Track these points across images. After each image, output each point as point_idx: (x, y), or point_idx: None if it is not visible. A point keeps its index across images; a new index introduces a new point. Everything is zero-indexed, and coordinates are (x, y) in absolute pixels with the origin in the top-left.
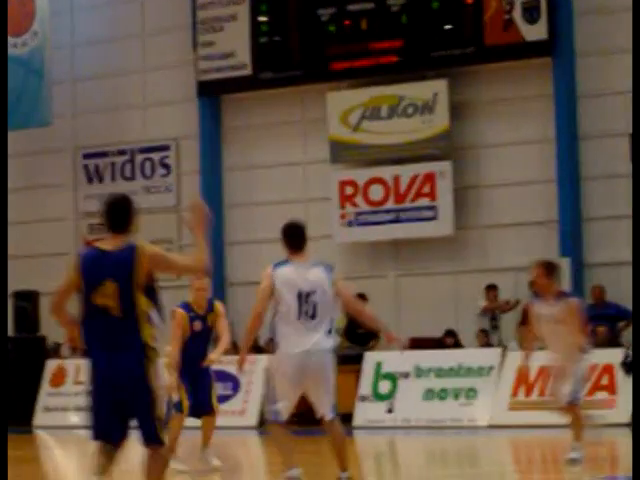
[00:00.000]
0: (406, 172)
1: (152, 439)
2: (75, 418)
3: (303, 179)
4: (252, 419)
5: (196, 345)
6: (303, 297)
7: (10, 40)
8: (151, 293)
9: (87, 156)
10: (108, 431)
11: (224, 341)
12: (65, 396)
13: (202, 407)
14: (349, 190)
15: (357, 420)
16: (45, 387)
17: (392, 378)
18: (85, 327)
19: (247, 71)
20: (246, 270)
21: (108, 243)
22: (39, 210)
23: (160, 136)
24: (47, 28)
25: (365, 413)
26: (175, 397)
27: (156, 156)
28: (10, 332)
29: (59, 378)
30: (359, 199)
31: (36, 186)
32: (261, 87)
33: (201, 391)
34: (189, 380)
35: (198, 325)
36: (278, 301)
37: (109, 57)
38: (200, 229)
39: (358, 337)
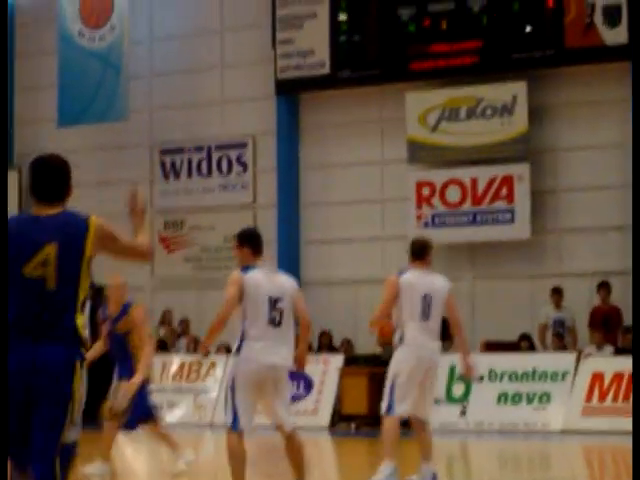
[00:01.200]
0: (484, 174)
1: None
2: None
3: (380, 179)
4: (324, 419)
5: (111, 348)
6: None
7: (88, 34)
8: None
9: (164, 152)
10: (16, 449)
11: (144, 358)
12: None
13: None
14: (426, 191)
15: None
16: None
17: (466, 381)
18: (9, 310)
19: (325, 70)
20: (321, 269)
21: (41, 212)
22: (115, 205)
23: (237, 133)
24: (125, 23)
25: (438, 416)
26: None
27: (233, 153)
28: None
29: None
30: (436, 200)
31: (113, 181)
32: (339, 86)
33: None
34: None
35: (107, 326)
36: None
37: (187, 53)
38: (139, 214)
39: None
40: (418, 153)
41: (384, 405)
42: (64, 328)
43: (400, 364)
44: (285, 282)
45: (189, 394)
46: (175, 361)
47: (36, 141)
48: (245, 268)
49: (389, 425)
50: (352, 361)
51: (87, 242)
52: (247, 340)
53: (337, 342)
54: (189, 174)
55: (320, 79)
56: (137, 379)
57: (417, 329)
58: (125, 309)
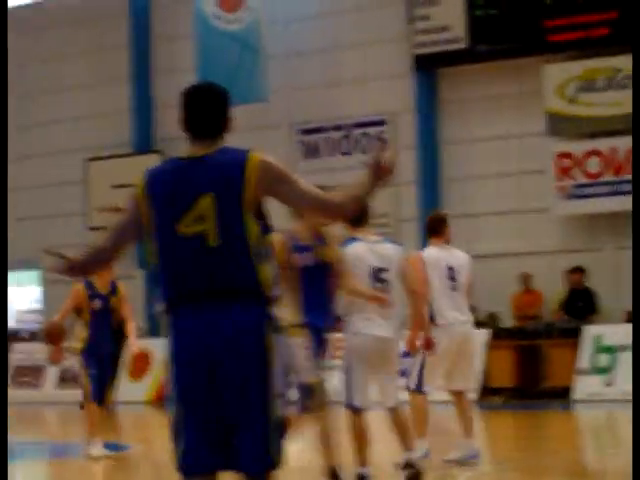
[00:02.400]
0: (623, 144)
1: (260, 462)
2: None
3: (519, 152)
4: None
5: (97, 326)
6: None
7: (225, 16)
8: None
9: (304, 132)
10: (196, 454)
11: (131, 327)
12: None
13: (99, 395)
14: (566, 163)
15: (576, 394)
16: None
17: (611, 351)
18: (162, 278)
19: (463, 44)
20: (464, 244)
21: (194, 151)
22: None
23: (376, 111)
24: (262, 3)
25: (584, 387)
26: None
27: (373, 131)
28: None
29: None
30: (576, 171)
31: None
32: (477, 60)
33: (101, 378)
34: (95, 363)
35: (97, 304)
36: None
37: (324, 32)
38: (377, 173)
39: (576, 310)
40: (557, 125)
41: (412, 383)
42: (237, 287)
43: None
44: (391, 252)
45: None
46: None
47: (176, 124)
48: (346, 241)
49: (418, 403)
50: (497, 335)
51: (245, 188)
52: (354, 314)
53: (482, 316)
54: (330, 153)
55: (457, 54)
56: (136, 347)
57: (446, 305)
58: (114, 286)
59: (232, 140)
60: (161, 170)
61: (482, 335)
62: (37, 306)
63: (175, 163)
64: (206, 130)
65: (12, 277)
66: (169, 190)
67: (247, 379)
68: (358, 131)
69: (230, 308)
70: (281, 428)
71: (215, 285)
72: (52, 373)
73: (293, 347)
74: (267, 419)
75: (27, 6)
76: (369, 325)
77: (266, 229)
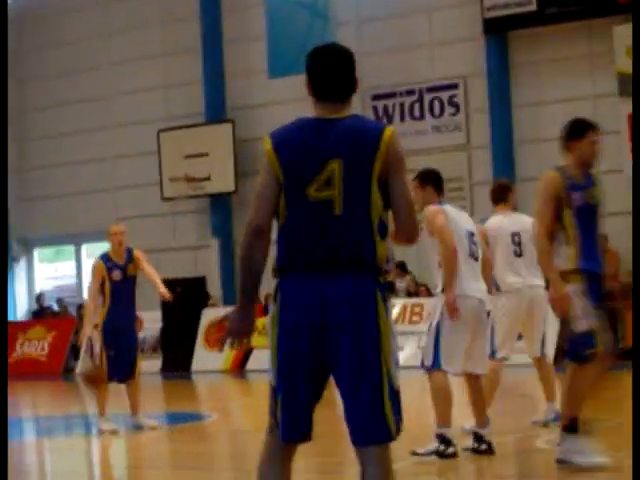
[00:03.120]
0: None
1: (378, 433)
2: None
3: (592, 113)
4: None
5: (118, 296)
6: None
7: None
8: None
9: (375, 97)
10: (295, 419)
11: (157, 279)
12: None
13: (124, 372)
14: None
15: None
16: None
17: None
18: (284, 239)
19: (532, 7)
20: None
21: (324, 113)
22: None
23: (448, 75)
24: None
25: None
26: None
27: (445, 95)
28: None
29: None
30: None
31: None
32: (547, 22)
33: (126, 353)
34: (113, 341)
35: (117, 275)
36: None
37: None
38: None
39: None
40: (628, 85)
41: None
42: (355, 259)
43: (498, 312)
44: (469, 219)
45: (412, 336)
46: (397, 303)
47: (247, 93)
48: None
49: (492, 370)
50: None
51: (376, 159)
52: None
53: None
54: (402, 118)
55: (527, 17)
56: (162, 286)
57: (508, 271)
58: (130, 253)
59: (304, 108)
60: (290, 130)
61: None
62: None
63: (305, 123)
64: (337, 92)
65: (86, 249)
66: (299, 152)
67: (364, 336)
68: (430, 95)
69: (346, 275)
70: (397, 398)
71: (334, 254)
72: None
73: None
74: (383, 387)
75: None
76: (475, 288)
77: (387, 205)
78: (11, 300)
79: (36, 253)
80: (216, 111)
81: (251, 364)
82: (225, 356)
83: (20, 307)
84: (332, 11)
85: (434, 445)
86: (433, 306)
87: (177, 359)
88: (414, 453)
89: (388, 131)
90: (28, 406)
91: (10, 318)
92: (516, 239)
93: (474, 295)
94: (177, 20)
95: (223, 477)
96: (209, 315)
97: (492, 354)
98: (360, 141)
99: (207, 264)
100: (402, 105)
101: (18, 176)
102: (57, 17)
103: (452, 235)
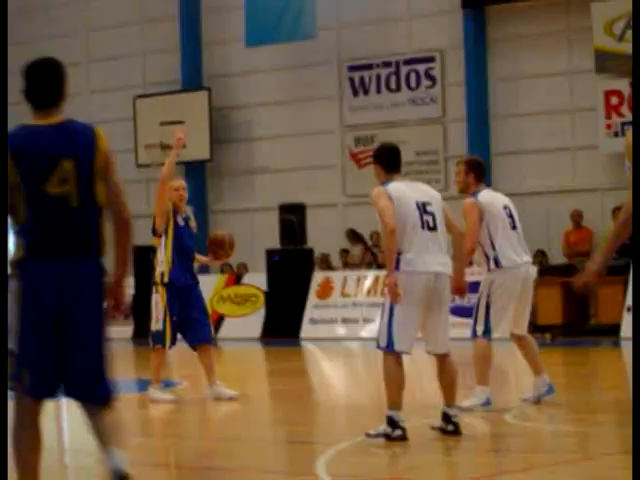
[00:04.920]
0: None
1: (102, 393)
2: (341, 330)
3: (569, 89)
4: None
5: (183, 251)
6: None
7: None
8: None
9: (352, 68)
10: (41, 378)
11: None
12: (332, 308)
13: (196, 335)
14: (614, 100)
15: (625, 331)
16: (312, 299)
17: None
18: (29, 228)
19: None
20: (512, 181)
21: (45, 120)
22: (305, 123)
23: (425, 47)
24: None
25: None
26: (157, 325)
27: (421, 67)
28: (277, 244)
29: (326, 290)
30: (624, 109)
31: (302, 99)
32: None
33: (197, 316)
34: (177, 299)
35: (182, 221)
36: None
37: None
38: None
39: (626, 248)
40: (606, 62)
41: (480, 328)
42: (90, 248)
43: (498, 288)
44: (430, 190)
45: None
46: (369, 276)
47: (224, 62)
48: (383, 183)
49: (482, 348)
50: (546, 272)
51: (99, 157)
52: (404, 253)
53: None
54: (378, 90)
55: None
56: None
57: (509, 246)
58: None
59: (281, 76)
60: (22, 136)
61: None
62: None
63: (33, 129)
64: (50, 101)
65: None
66: (33, 150)
67: None
68: (407, 68)
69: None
70: None
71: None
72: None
73: None
74: None
75: None
76: (429, 261)
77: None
78: None
79: None
80: (193, 79)
81: (223, 332)
82: None
83: None
84: None
85: (383, 427)
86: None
87: (147, 326)
88: (366, 434)
89: (100, 131)
90: None
91: None
92: (507, 212)
93: (427, 270)
94: None
95: (191, 444)
96: None
97: (486, 332)
98: (83, 140)
99: None
100: (378, 77)
101: None
102: None
103: (391, 215)
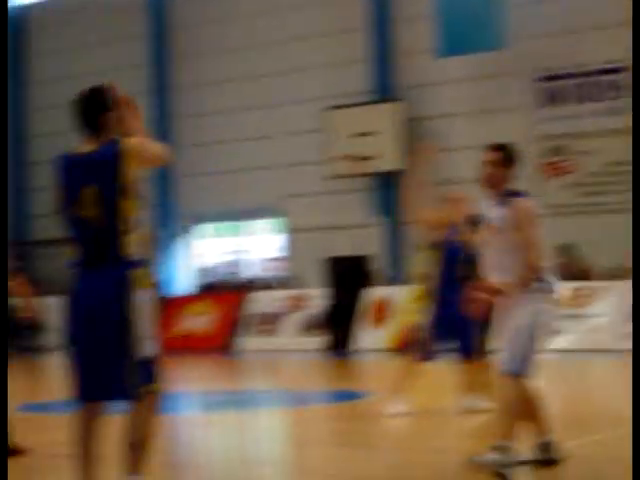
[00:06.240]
0: None
1: (125, 396)
2: None
3: None
4: None
5: (450, 262)
6: None
7: None
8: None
9: (543, 79)
10: (83, 386)
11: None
12: None
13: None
14: None
15: None
16: None
17: None
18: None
19: None
20: None
21: (84, 147)
22: (494, 133)
23: (615, 58)
24: None
25: None
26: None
27: (610, 78)
28: None
29: None
30: None
31: (491, 109)
32: None
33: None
34: (442, 305)
35: (452, 233)
36: None
37: None
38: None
39: None
40: None
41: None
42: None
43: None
44: None
45: (579, 320)
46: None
47: (416, 72)
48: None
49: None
50: None
51: (126, 173)
52: (544, 271)
53: None
54: (569, 100)
55: None
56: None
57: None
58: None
59: (473, 87)
60: (58, 161)
61: None
62: (280, 254)
63: (71, 156)
64: (86, 129)
65: (253, 225)
66: (64, 179)
67: None
68: (597, 78)
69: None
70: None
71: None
72: (294, 321)
73: None
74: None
75: None
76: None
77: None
78: (178, 275)
79: (202, 228)
80: (384, 90)
81: None
82: (389, 335)
83: (186, 282)
84: None
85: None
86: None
87: (341, 337)
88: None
89: (123, 141)
90: (191, 381)
91: (176, 292)
92: None
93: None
94: None
95: (382, 456)
96: (374, 294)
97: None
98: (106, 165)
99: (372, 242)
100: (570, 87)
101: (185, 152)
102: None
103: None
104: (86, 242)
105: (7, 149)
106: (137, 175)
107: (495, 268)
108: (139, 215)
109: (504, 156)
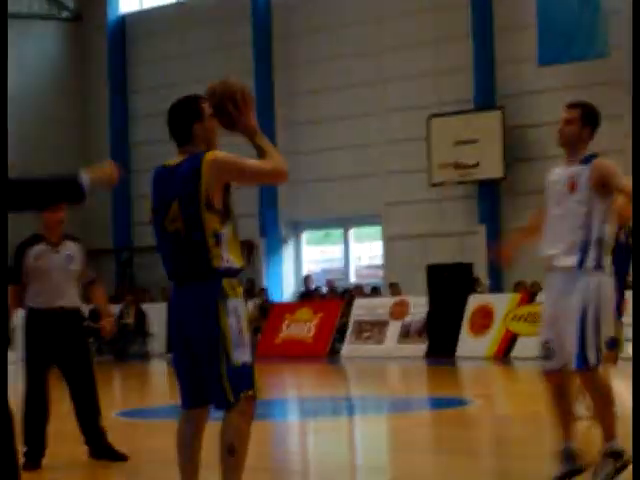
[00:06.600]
0: None
1: (220, 402)
2: None
3: None
4: None
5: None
6: None
7: None
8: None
9: None
10: (183, 393)
11: None
12: None
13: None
14: None
15: None
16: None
17: None
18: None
19: None
20: None
21: (174, 159)
22: (593, 142)
23: None
24: None
25: None
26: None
27: None
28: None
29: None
30: None
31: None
32: None
33: None
34: None
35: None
36: None
37: None
38: (249, 118)
39: None
40: None
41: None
42: (202, 276)
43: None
44: None
45: None
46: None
47: (516, 81)
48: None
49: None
50: None
51: (205, 187)
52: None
53: None
54: None
55: None
56: None
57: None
58: None
59: (573, 96)
60: (151, 177)
61: None
62: (378, 262)
63: (160, 171)
64: (176, 140)
65: (353, 233)
66: (156, 194)
67: None
68: None
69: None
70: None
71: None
72: (394, 328)
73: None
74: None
75: None
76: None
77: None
78: (279, 281)
79: (304, 235)
80: (486, 98)
81: (516, 351)
82: (490, 342)
83: (288, 289)
84: (604, 0)
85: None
86: None
87: (442, 344)
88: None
89: (204, 155)
90: (293, 387)
91: (277, 299)
92: None
93: None
94: (449, 7)
95: (486, 463)
96: (475, 301)
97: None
98: (186, 179)
99: (474, 250)
100: None
101: (287, 159)
102: (329, 1)
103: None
104: (175, 256)
105: (7, 149)
106: (221, 188)
107: (556, 238)
108: (226, 228)
109: (582, 114)
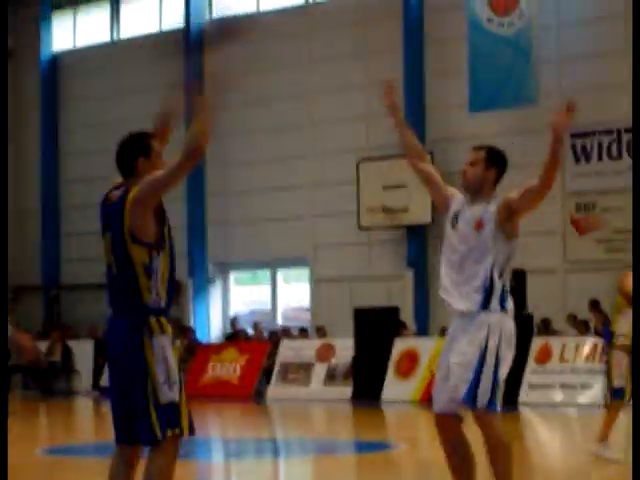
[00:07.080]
0: None
1: (146, 439)
2: (559, 396)
3: None
4: None
5: None
6: None
7: (497, 20)
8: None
9: (574, 135)
10: (116, 428)
11: None
12: (550, 373)
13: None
14: None
15: None
16: (531, 364)
17: None
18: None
19: None
20: None
21: (111, 193)
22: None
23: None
24: (534, 8)
25: None
26: (618, 381)
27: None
28: None
29: (545, 355)
30: None
31: (524, 164)
32: None
33: None
34: None
35: None
36: None
37: (597, 38)
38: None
39: None
40: None
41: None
42: (130, 310)
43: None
44: None
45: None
46: (588, 342)
47: (446, 126)
48: None
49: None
50: None
51: (128, 221)
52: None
53: None
54: (599, 157)
55: None
56: None
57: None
58: None
59: (503, 142)
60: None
61: None
62: (305, 304)
63: (103, 203)
64: (122, 174)
65: (281, 274)
66: (101, 225)
67: None
68: (629, 135)
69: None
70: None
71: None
72: (320, 370)
73: None
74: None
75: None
76: None
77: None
78: (206, 322)
79: (232, 276)
80: None
81: None
82: (415, 386)
83: (215, 329)
84: (534, 49)
85: None
86: None
87: (368, 387)
88: None
89: (129, 189)
90: (218, 428)
91: (204, 340)
92: None
93: None
94: (380, 51)
95: None
96: (401, 345)
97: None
98: (115, 213)
99: (401, 294)
100: (600, 144)
101: (215, 200)
102: (254, 46)
103: None
104: (110, 288)
105: (7, 153)
106: (151, 221)
107: (454, 280)
108: (157, 260)
109: (487, 155)
